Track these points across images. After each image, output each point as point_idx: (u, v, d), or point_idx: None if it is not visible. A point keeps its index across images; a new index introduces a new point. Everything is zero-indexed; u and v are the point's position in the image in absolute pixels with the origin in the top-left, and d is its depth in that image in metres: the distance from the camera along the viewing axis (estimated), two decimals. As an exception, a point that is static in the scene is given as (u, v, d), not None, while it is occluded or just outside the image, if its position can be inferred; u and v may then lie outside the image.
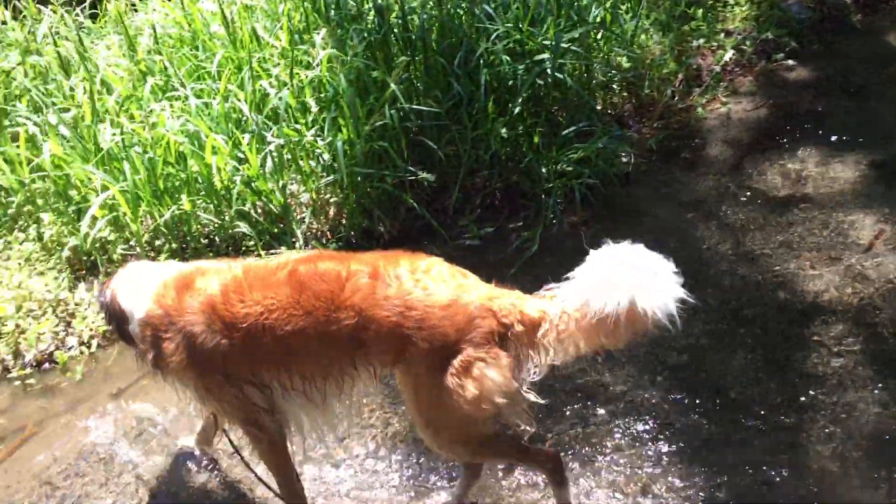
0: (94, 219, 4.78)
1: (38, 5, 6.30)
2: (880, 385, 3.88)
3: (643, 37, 6.28)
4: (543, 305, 2.99)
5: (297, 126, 5.17)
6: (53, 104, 5.33)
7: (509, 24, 5.44)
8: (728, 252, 4.83)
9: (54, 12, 6.15)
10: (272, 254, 4.75)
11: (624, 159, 5.64)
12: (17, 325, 4.64)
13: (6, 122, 5.36)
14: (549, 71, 5.36)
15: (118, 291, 3.26)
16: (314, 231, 5.18)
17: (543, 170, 5.30)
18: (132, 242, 4.96)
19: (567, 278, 2.94)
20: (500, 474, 3.65)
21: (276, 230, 5.05)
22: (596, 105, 5.83)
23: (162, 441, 4.01)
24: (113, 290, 3.28)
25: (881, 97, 5.96)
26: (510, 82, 5.43)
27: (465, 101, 5.24)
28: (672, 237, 4.98)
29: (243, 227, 4.98)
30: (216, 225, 5.02)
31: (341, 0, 5.49)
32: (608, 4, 5.88)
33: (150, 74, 5.46)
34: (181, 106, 5.17)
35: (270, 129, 5.05)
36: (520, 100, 5.31)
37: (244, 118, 5.16)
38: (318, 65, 5.24)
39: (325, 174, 5.18)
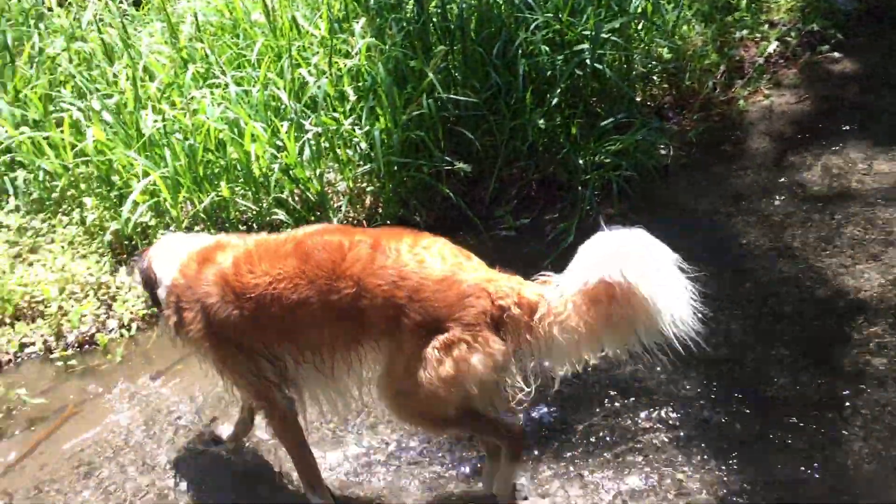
0: (136, 204, 4.85)
1: (83, -7, 6.40)
2: (922, 385, 3.81)
3: (685, 27, 6.20)
4: (542, 289, 2.96)
5: (335, 115, 5.20)
6: (97, 90, 5.42)
7: (549, 14, 5.41)
8: (768, 247, 4.77)
9: (99, 0, 6.24)
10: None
11: (663, 151, 5.58)
12: (60, 307, 4.73)
13: (51, 108, 5.45)
14: (588, 62, 5.32)
15: (153, 259, 3.46)
16: (350, 219, 5.21)
17: (580, 161, 5.27)
18: (172, 228, 5.03)
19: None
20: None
21: (312, 218, 5.09)
22: (635, 96, 5.78)
23: (198, 425, 4.07)
24: (149, 258, 3.49)
25: (929, 92, 5.84)
26: (548, 73, 5.40)
27: (503, 92, 5.22)
28: (710, 231, 4.93)
29: (281, 215, 5.03)
30: (254, 212, 5.07)
31: (380, -11, 5.51)
32: (650, -6, 5.83)
33: (192, 62, 5.52)
34: (221, 93, 5.22)
35: (309, 117, 5.08)
36: (558, 90, 5.28)
37: (283, 106, 5.20)
38: (356, 54, 5.26)
39: (361, 163, 5.21)
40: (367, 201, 5.30)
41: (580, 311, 2.85)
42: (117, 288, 4.88)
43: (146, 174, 4.88)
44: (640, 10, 5.80)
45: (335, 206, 5.17)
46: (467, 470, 3.68)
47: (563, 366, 3.02)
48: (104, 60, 5.69)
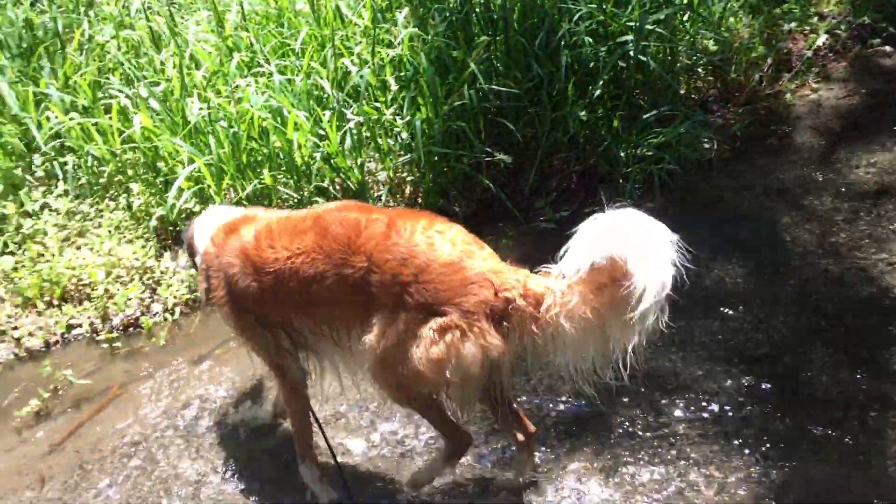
0: (181, 190, 4.93)
1: (132, -19, 6.50)
2: (969, 388, 3.73)
3: (731, 19, 6.10)
4: (548, 281, 2.91)
5: (377, 104, 5.22)
6: (144, 78, 5.52)
7: (592, 5, 5.37)
8: (812, 244, 4.69)
9: (147, -12, 6.34)
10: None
11: (706, 145, 5.52)
12: (106, 290, 4.84)
13: (100, 94, 5.57)
14: (631, 53, 5.27)
15: (195, 229, 3.66)
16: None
17: (622, 154, 5.23)
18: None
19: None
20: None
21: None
22: (679, 89, 5.71)
23: (239, 407, 4.14)
24: (193, 227, 3.69)
25: (984, 87, 5.68)
26: (591, 64, 5.35)
27: (545, 83, 5.20)
28: (754, 226, 4.86)
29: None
30: (295, 200, 5.12)
31: (424, -21, 5.51)
32: (696, -15, 5.75)
33: (237, 50, 5.59)
34: (265, 82, 5.28)
35: (350, 106, 5.11)
36: (601, 82, 5.24)
37: (325, 95, 5.24)
38: (399, 43, 5.27)
39: (402, 153, 5.23)
40: (407, 191, 5.33)
41: (586, 298, 2.80)
42: (162, 272, 4.98)
43: (191, 161, 4.96)
44: (685, 1, 5.72)
45: (375, 195, 5.20)
46: (496, 458, 3.71)
47: (574, 360, 2.97)
48: (152, 48, 5.78)
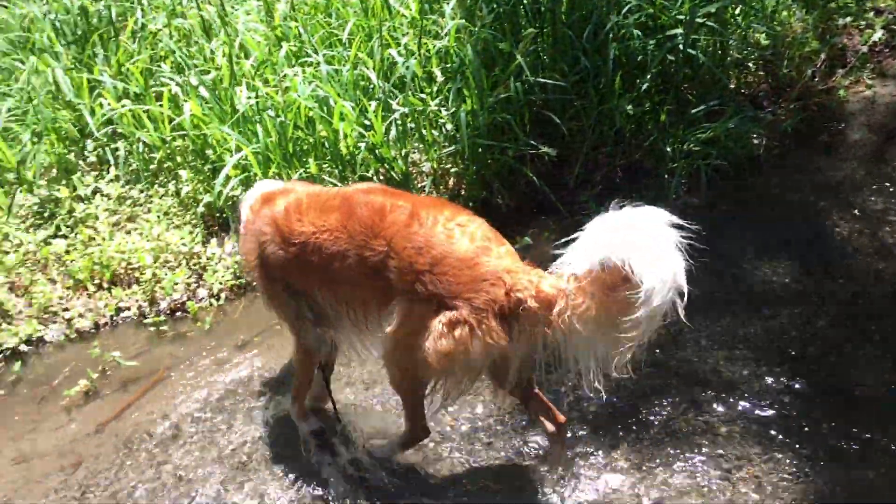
0: (228, 178, 5.00)
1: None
2: None
3: (784, 13, 5.98)
4: (560, 283, 2.90)
5: (423, 95, 5.24)
6: (195, 66, 5.60)
7: (642, -2, 5.31)
8: (863, 243, 4.60)
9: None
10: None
11: (755, 141, 5.43)
12: (154, 275, 4.94)
13: (152, 82, 5.66)
14: (681, 47, 5.21)
15: (244, 199, 3.80)
16: (433, 200, 5.25)
17: (669, 149, 5.18)
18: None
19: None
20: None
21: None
22: (729, 83, 5.62)
23: (281, 391, 4.18)
24: (243, 198, 3.84)
25: None
26: (639, 57, 5.30)
27: (592, 76, 5.16)
28: (803, 224, 4.79)
29: (366, 193, 5.11)
30: (340, 189, 5.16)
31: (472, -30, 5.49)
32: (749, -22, 5.66)
33: (286, 40, 5.64)
34: (313, 72, 5.32)
35: (396, 97, 5.13)
36: (648, 76, 5.19)
37: (371, 86, 5.27)
38: (446, 35, 5.28)
39: (447, 144, 5.23)
40: (451, 182, 5.33)
41: (596, 299, 2.80)
42: (208, 258, 5.06)
43: (239, 149, 5.02)
44: (737, -6, 5.63)
45: (419, 186, 5.22)
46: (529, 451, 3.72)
47: (585, 359, 2.97)
48: (202, 37, 5.87)
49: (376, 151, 5.08)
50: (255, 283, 3.67)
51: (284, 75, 5.29)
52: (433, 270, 3.02)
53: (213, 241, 5.17)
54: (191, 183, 5.35)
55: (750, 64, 5.87)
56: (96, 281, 4.96)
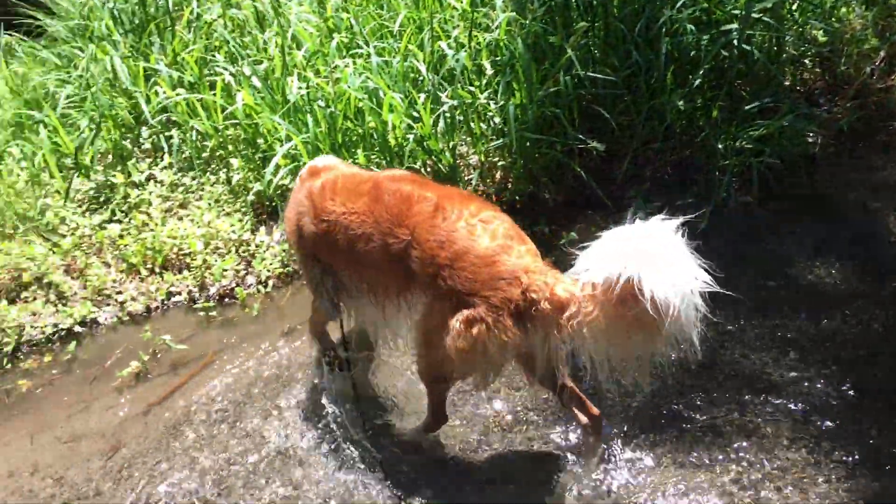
0: (278, 167, 5.07)
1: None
2: None
3: (843, 9, 5.85)
4: (574, 288, 2.94)
5: (472, 88, 5.24)
6: (248, 56, 5.68)
7: (696, -8, 5.24)
8: (919, 246, 4.50)
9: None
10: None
11: (810, 139, 5.33)
12: (205, 261, 5.03)
13: (206, 71, 5.76)
14: (735, 42, 5.13)
15: (302, 172, 3.93)
16: (480, 193, 5.25)
17: (720, 145, 5.11)
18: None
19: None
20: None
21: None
22: (784, 80, 5.53)
23: (325, 377, 4.21)
24: (302, 172, 3.97)
25: None
26: (692, 53, 5.24)
27: (643, 71, 5.11)
28: (856, 225, 4.69)
29: (412, 185, 5.13)
30: (388, 180, 5.19)
31: (524, -37, 5.47)
32: (807, -27, 5.54)
33: (337, 31, 5.69)
34: (363, 63, 5.36)
35: (445, 89, 5.14)
36: (701, 71, 5.12)
37: (421, 78, 5.29)
38: (496, 28, 5.27)
39: (494, 137, 5.23)
40: (498, 176, 5.33)
41: (607, 310, 2.82)
42: (257, 246, 5.14)
43: (289, 139, 5.08)
44: (795, -11, 5.53)
45: (465, 178, 5.23)
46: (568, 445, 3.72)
47: (593, 363, 3.01)
48: (256, 27, 5.94)
49: (424, 143, 5.10)
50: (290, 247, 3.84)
51: (335, 66, 5.33)
52: (453, 265, 3.08)
53: (262, 229, 5.25)
54: (241, 171, 5.43)
55: (806, 61, 5.76)
56: (149, 265, 5.07)
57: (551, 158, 5.15)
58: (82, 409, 4.30)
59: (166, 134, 5.71)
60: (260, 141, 5.43)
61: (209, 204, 5.36)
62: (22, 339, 4.68)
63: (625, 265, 2.69)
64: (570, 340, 2.96)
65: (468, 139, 5.36)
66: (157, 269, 5.08)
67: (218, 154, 5.65)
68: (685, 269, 2.68)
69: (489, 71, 5.27)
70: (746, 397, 3.80)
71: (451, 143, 5.12)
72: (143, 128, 5.81)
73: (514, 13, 5.22)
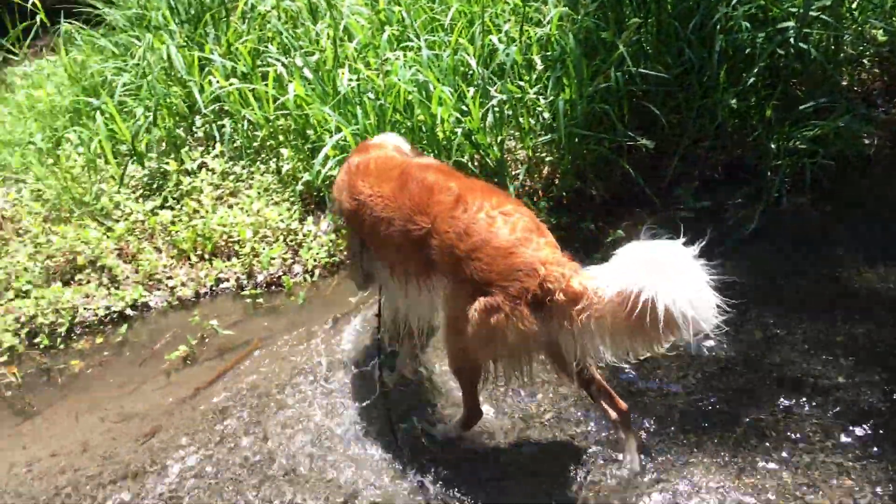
0: (327, 157, 5.11)
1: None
2: None
3: (905, 8, 5.70)
4: (589, 283, 2.99)
5: (521, 83, 5.22)
6: (300, 48, 5.74)
7: (753, -11, 5.15)
8: (977, 253, 4.37)
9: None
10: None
11: (866, 141, 5.22)
12: (253, 249, 5.11)
13: (259, 62, 5.83)
14: (792, 41, 5.03)
15: (360, 146, 4.14)
16: (527, 188, 5.25)
17: (773, 145, 5.02)
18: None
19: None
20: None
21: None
22: (841, 80, 5.41)
23: (368, 367, 4.25)
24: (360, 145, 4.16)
25: None
26: (747, 50, 5.16)
27: (696, 68, 5.05)
28: (912, 229, 4.58)
29: (460, 178, 5.14)
30: (435, 173, 5.20)
31: (578, -42, 5.44)
32: (868, -29, 5.41)
33: (389, 24, 5.72)
34: (413, 56, 5.38)
35: (495, 84, 5.14)
36: (755, 70, 5.04)
37: (471, 72, 5.29)
38: (548, 22, 5.25)
39: (543, 133, 5.22)
40: (545, 171, 5.32)
41: (616, 310, 2.87)
42: (304, 235, 5.20)
43: (338, 130, 5.12)
44: (855, -13, 5.40)
45: (513, 173, 5.22)
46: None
47: (593, 355, 3.10)
48: (308, 19, 6.00)
49: (472, 137, 5.10)
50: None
51: (386, 59, 5.36)
52: (472, 256, 3.14)
53: (310, 218, 5.31)
54: (291, 161, 5.49)
55: (865, 61, 5.63)
56: (198, 252, 5.17)
57: (599, 155, 5.12)
58: (132, 390, 4.41)
59: (219, 123, 5.80)
60: (310, 132, 5.48)
61: (259, 193, 5.43)
62: (75, 321, 4.81)
63: (641, 281, 2.76)
64: (578, 333, 3.00)
65: (516, 134, 5.35)
66: (206, 256, 5.17)
67: (268, 144, 5.72)
68: (694, 281, 2.75)
69: (539, 66, 5.26)
70: (792, 401, 3.74)
71: (499, 138, 5.11)
72: (197, 117, 5.91)
73: (567, 8, 5.20)
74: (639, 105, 5.11)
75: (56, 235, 5.14)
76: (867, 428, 3.57)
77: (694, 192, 5.07)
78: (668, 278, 2.74)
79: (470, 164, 5.19)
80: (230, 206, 5.39)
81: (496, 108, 5.07)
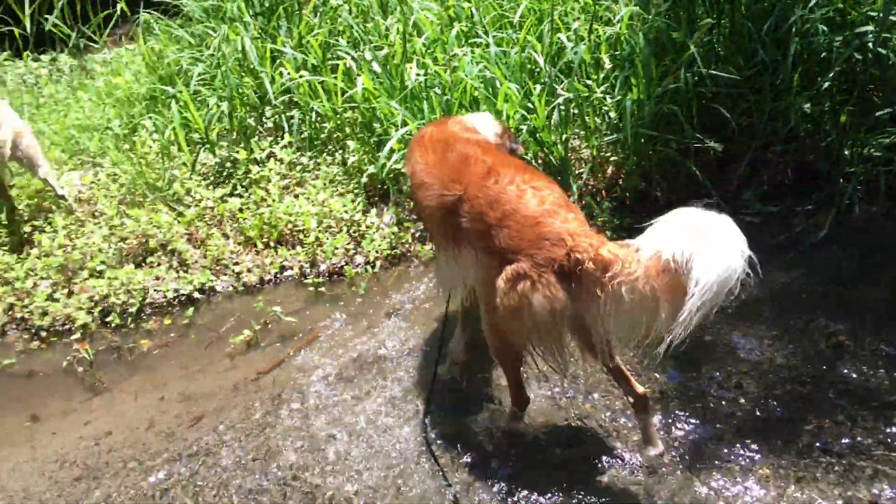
0: (392, 151, 5.18)
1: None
2: None
3: None
4: (619, 251, 3.03)
5: (588, 82, 5.20)
6: (370, 42, 5.81)
7: (832, -9, 5.03)
8: None
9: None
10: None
11: (946, 150, 5.04)
12: (317, 238, 5.20)
13: (329, 55, 5.93)
14: (870, 45, 4.89)
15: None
16: (590, 187, 5.23)
17: (847, 152, 4.90)
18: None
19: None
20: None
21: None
22: (921, 87, 5.23)
23: (427, 354, 4.32)
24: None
25: None
26: (822, 54, 5.03)
27: (770, 71, 4.95)
28: None
29: (523, 175, 5.14)
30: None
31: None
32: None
33: (458, 20, 5.76)
34: (481, 52, 5.40)
35: (562, 82, 5.13)
36: (831, 74, 4.92)
37: (538, 69, 5.29)
38: (618, 21, 5.21)
39: (608, 132, 5.19)
40: (609, 171, 5.29)
41: (650, 275, 2.90)
42: (367, 227, 5.27)
43: (404, 124, 5.18)
44: (940, -10, 5.21)
45: (576, 172, 5.21)
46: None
47: (623, 328, 3.09)
48: (379, 14, 6.08)
49: (537, 135, 5.10)
50: None
51: (454, 55, 5.40)
52: (501, 224, 3.23)
53: (373, 210, 5.38)
54: (357, 153, 5.57)
55: (947, 67, 5.43)
56: (264, 239, 5.29)
57: (665, 156, 5.07)
58: (197, 371, 4.53)
59: (288, 114, 5.91)
60: (376, 125, 5.55)
61: (324, 183, 5.52)
62: (145, 302, 4.96)
63: (681, 243, 2.78)
64: (609, 301, 3.01)
65: (581, 133, 5.33)
66: (271, 244, 5.28)
67: (335, 136, 5.81)
68: (733, 249, 2.75)
69: (607, 65, 5.23)
70: (858, 415, 3.66)
71: (563, 136, 5.11)
72: (267, 107, 6.03)
73: (638, 7, 5.16)
74: (708, 107, 5.04)
75: (130, 219, 5.31)
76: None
77: (762, 196, 4.98)
78: (709, 246, 2.75)
79: (534, 161, 5.19)
80: (296, 196, 5.49)
81: (562, 107, 5.06)
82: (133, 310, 4.90)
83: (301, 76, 5.76)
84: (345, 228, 5.27)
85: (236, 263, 5.18)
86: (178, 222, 5.35)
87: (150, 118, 6.06)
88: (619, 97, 5.06)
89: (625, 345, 3.43)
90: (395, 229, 5.23)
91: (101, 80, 6.87)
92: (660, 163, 5.11)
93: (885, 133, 4.90)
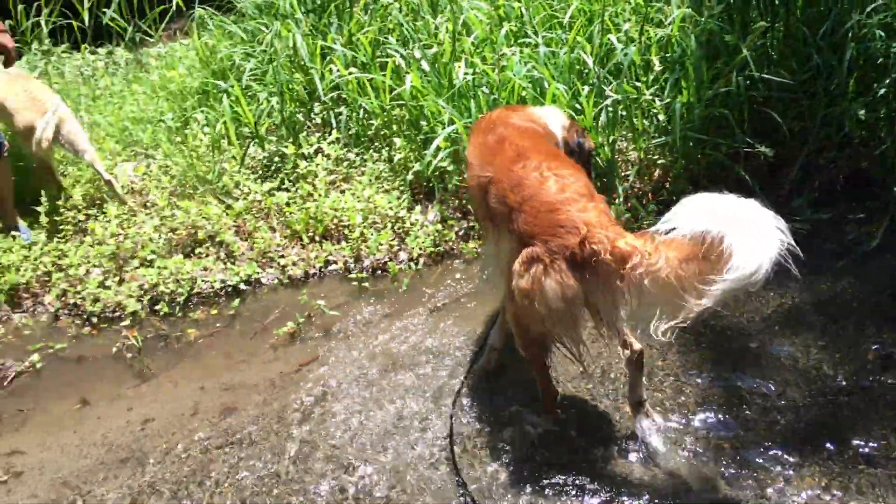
0: (438, 149, 5.20)
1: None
2: None
3: None
4: (637, 242, 3.04)
5: (637, 83, 5.17)
6: (419, 40, 5.84)
7: (890, -4, 4.92)
8: None
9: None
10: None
11: None
12: (362, 234, 5.25)
13: (378, 53, 5.97)
14: (929, 51, 4.78)
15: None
16: (636, 190, 5.19)
17: (902, 160, 4.80)
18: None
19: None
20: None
21: (597, 184, 5.13)
22: (982, 95, 5.10)
23: (466, 353, 4.32)
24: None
25: None
26: (879, 60, 4.92)
27: (824, 75, 4.87)
28: None
29: (569, 176, 5.13)
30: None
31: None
32: None
33: (507, 20, 5.76)
34: (530, 52, 5.40)
35: (610, 83, 5.10)
36: (888, 80, 4.81)
37: (587, 70, 5.27)
38: (669, 23, 5.17)
39: (657, 135, 5.15)
40: (656, 174, 5.24)
41: (671, 264, 2.92)
42: (411, 224, 5.30)
43: (451, 122, 5.20)
44: None
45: (622, 174, 5.18)
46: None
47: (644, 315, 3.11)
48: (429, 12, 6.10)
49: (584, 136, 5.08)
50: None
51: (502, 54, 5.40)
52: (521, 207, 3.30)
53: (418, 208, 5.41)
54: (403, 151, 5.61)
55: None
56: (310, 233, 5.35)
57: (715, 160, 5.01)
58: (241, 361, 4.61)
59: (336, 110, 5.97)
60: (423, 123, 5.57)
61: (370, 180, 5.57)
62: (193, 291, 5.06)
63: (710, 223, 2.79)
64: (632, 292, 3.03)
65: (629, 135, 5.29)
66: (317, 238, 5.34)
67: (382, 133, 5.85)
68: (771, 235, 2.75)
69: (657, 67, 5.18)
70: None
71: (611, 138, 5.08)
72: (316, 103, 6.10)
73: (690, 9, 5.10)
74: (759, 111, 4.97)
75: (180, 210, 5.42)
76: None
77: (814, 202, 4.89)
78: (749, 234, 2.75)
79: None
80: (342, 192, 5.55)
81: (610, 108, 5.04)
82: (181, 299, 5.00)
83: (350, 73, 5.81)
84: (389, 225, 5.31)
85: (282, 256, 5.24)
86: (227, 215, 5.44)
87: (202, 112, 6.17)
88: (668, 100, 5.02)
89: (639, 329, 3.44)
90: (440, 227, 5.25)
91: (156, 74, 7.01)
92: (708, 167, 5.05)
93: (942, 141, 4.78)
